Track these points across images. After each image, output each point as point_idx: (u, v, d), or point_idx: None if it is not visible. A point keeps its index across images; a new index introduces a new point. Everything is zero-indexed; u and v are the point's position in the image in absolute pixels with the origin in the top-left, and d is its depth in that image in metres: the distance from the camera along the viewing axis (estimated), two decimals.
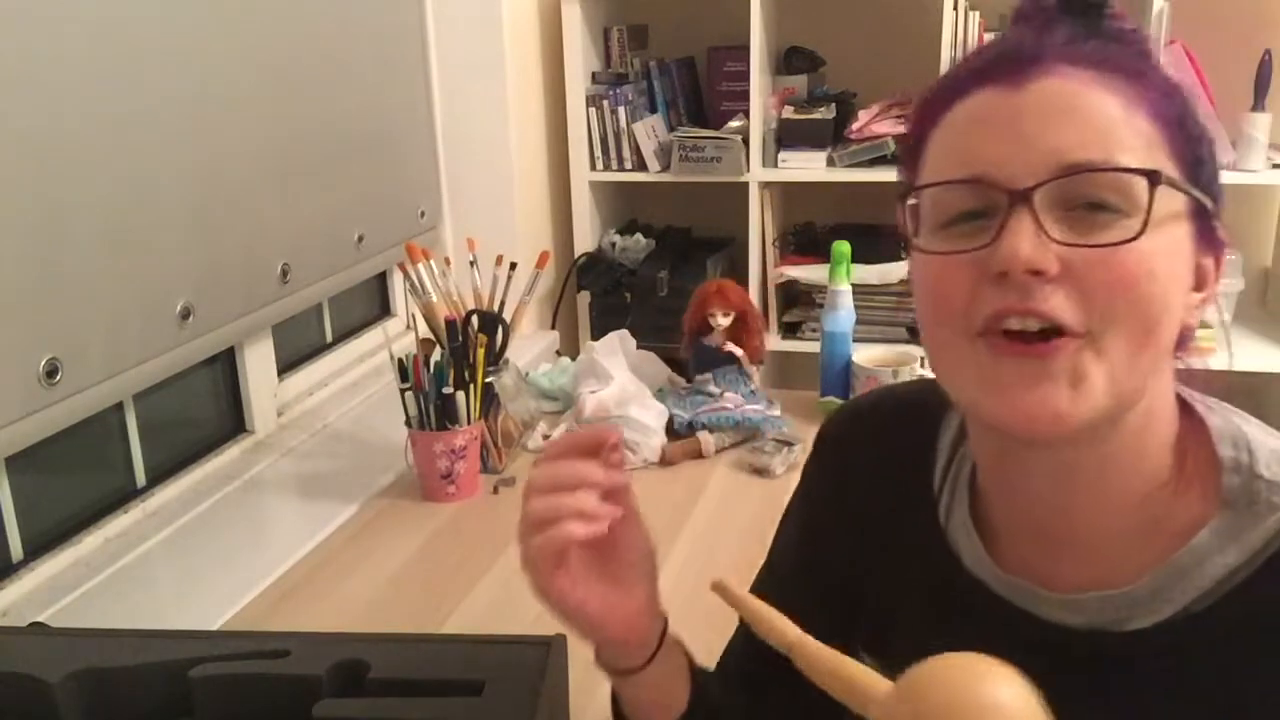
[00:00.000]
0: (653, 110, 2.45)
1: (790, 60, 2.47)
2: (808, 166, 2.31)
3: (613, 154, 2.37)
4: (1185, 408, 0.63)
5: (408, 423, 1.42)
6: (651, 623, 0.70)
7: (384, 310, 2.07)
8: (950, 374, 0.59)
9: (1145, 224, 0.53)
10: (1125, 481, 0.60)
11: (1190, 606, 0.58)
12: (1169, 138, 0.56)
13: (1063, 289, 0.54)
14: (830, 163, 2.30)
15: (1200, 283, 0.59)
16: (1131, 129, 0.55)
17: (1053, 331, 0.54)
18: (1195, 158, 0.57)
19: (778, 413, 1.61)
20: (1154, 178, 0.53)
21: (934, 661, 0.47)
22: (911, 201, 0.60)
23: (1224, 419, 0.62)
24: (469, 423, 1.42)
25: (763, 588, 0.82)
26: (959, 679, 0.46)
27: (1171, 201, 0.55)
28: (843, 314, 1.64)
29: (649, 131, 2.38)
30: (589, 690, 0.97)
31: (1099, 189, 0.54)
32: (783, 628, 0.54)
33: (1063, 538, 0.62)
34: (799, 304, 2.45)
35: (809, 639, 0.53)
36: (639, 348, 1.74)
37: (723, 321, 1.60)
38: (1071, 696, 0.61)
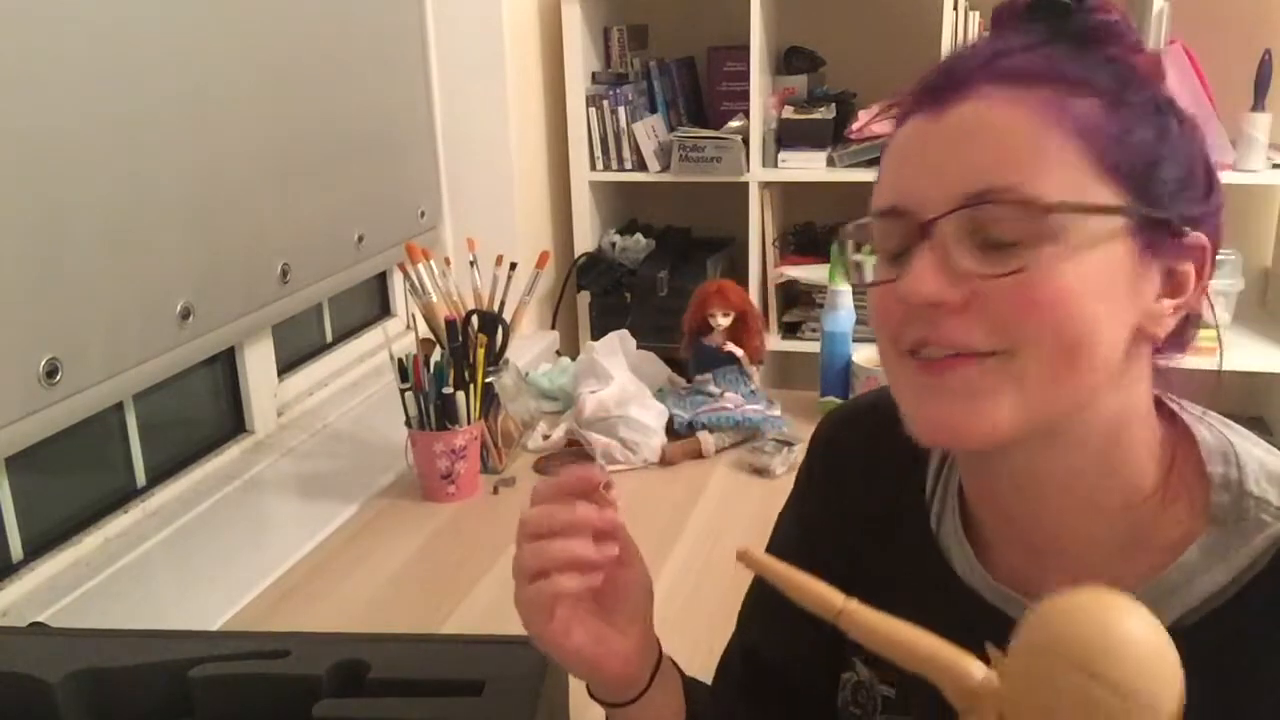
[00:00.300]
0: (653, 110, 2.45)
1: (790, 60, 2.47)
2: (808, 166, 2.31)
3: (613, 154, 2.38)
4: (1172, 417, 0.63)
5: (408, 423, 1.42)
6: (645, 658, 0.69)
7: (384, 310, 2.07)
8: (891, 385, 0.61)
9: (1044, 254, 0.53)
10: (1100, 492, 0.60)
11: (1178, 624, 0.57)
12: (1101, 153, 0.55)
13: (970, 316, 0.55)
14: (830, 163, 2.30)
15: (1176, 289, 0.58)
16: (1045, 150, 0.54)
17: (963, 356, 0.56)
18: (1143, 170, 0.55)
19: (778, 413, 1.61)
20: (1048, 208, 0.53)
21: (1056, 599, 0.45)
22: (864, 220, 0.61)
23: (1213, 431, 0.61)
24: (469, 423, 1.42)
25: (762, 587, 0.82)
26: (1088, 614, 0.44)
27: (1093, 223, 0.54)
28: (843, 314, 1.64)
29: (649, 131, 2.38)
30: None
31: (998, 218, 0.54)
32: (827, 594, 0.52)
33: (1045, 547, 0.62)
34: (799, 304, 2.45)
35: (855, 603, 0.51)
36: (639, 348, 1.74)
37: (723, 321, 1.60)
38: None
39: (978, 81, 0.56)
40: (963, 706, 0.48)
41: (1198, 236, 0.57)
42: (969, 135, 0.55)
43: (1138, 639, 0.43)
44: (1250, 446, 0.60)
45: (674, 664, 0.74)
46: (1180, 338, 0.61)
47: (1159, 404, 0.63)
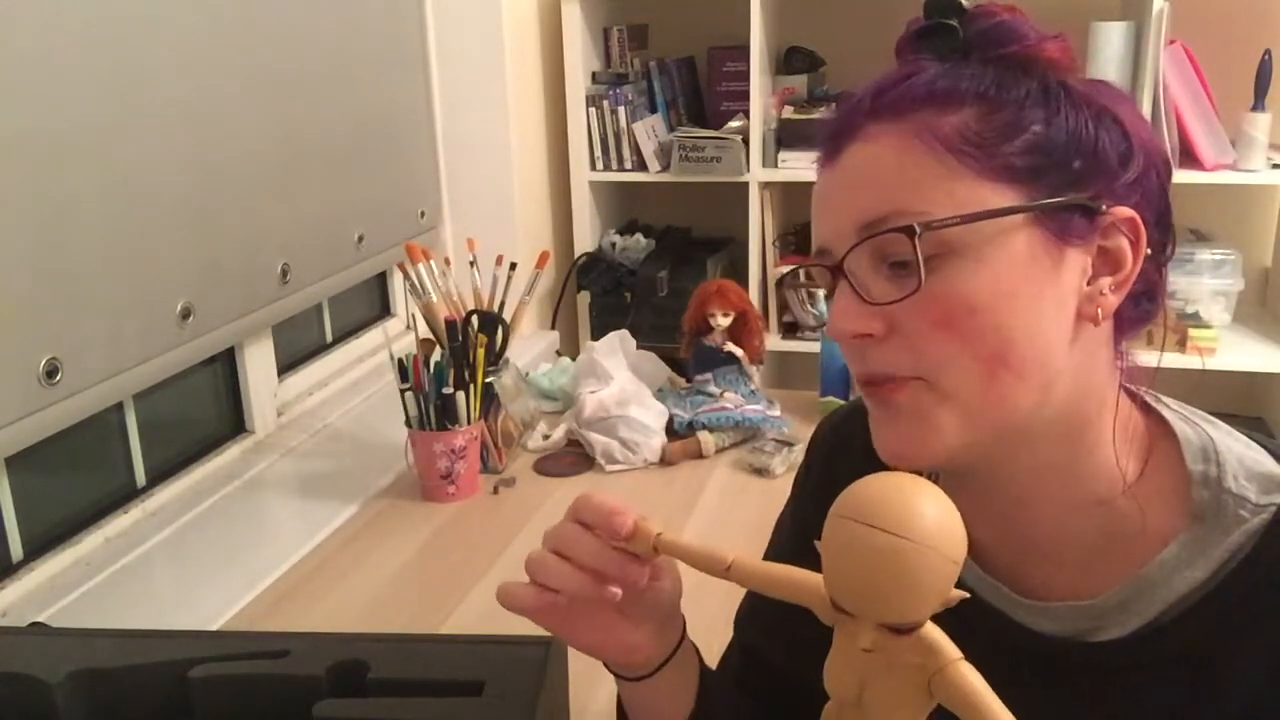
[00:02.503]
0: (653, 110, 2.45)
1: (790, 60, 2.47)
2: (808, 166, 2.30)
3: (613, 154, 2.37)
4: (1153, 414, 0.63)
5: (408, 423, 1.42)
6: (658, 646, 0.69)
7: (384, 310, 2.07)
8: None
9: (920, 277, 0.55)
10: (1072, 487, 0.61)
11: (1158, 619, 0.58)
12: (981, 160, 0.55)
13: (893, 343, 0.57)
14: None
15: (1113, 265, 0.57)
16: (925, 171, 0.56)
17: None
18: (1034, 163, 0.56)
19: (778, 413, 1.61)
20: (908, 231, 0.55)
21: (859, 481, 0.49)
22: (796, 266, 0.66)
23: (1194, 428, 0.61)
24: (469, 423, 1.42)
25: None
26: (870, 481, 0.48)
27: (988, 228, 0.55)
28: None
29: (649, 131, 2.38)
30: (589, 690, 0.97)
31: (891, 246, 0.56)
32: (718, 555, 0.57)
33: (1024, 545, 0.63)
34: None
35: (743, 557, 0.57)
36: (639, 348, 1.74)
37: (723, 321, 1.60)
38: (1042, 702, 0.61)
39: (862, 123, 0.59)
40: (829, 620, 0.52)
41: (1120, 210, 0.57)
42: (856, 174, 0.59)
43: (911, 494, 0.46)
44: (1231, 443, 0.60)
45: (696, 652, 0.74)
46: (1140, 311, 0.61)
47: (1138, 400, 0.64)
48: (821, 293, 0.63)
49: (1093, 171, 0.57)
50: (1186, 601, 0.57)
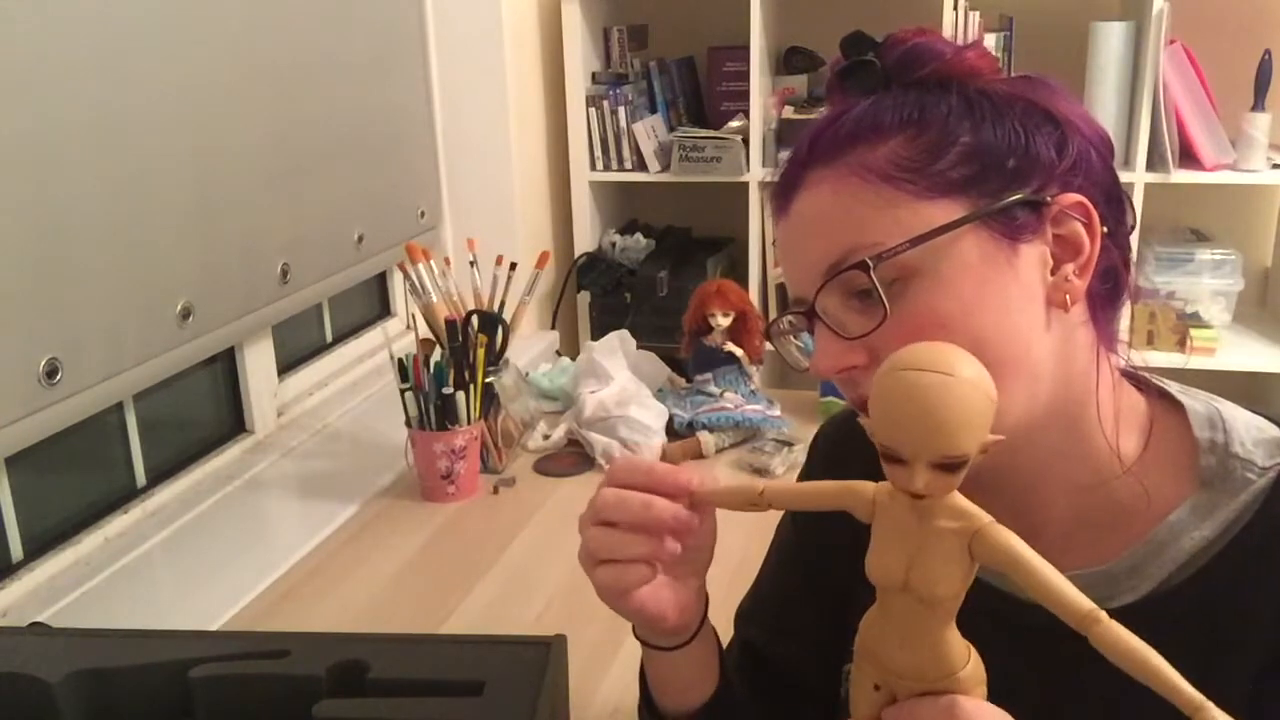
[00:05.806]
0: (653, 110, 2.45)
1: (790, 60, 2.47)
2: None
3: (613, 154, 2.37)
4: (1152, 390, 0.65)
5: (408, 423, 1.42)
6: (699, 608, 0.70)
7: (384, 310, 2.07)
8: None
9: (884, 306, 0.57)
10: (1073, 471, 0.62)
11: (1169, 580, 0.59)
12: (916, 182, 0.57)
13: (877, 368, 0.58)
14: None
15: (1072, 250, 0.59)
16: (868, 205, 0.58)
17: None
18: (969, 171, 0.57)
19: (778, 413, 1.61)
20: (862, 267, 0.56)
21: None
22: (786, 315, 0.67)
23: (1200, 401, 0.63)
24: (469, 423, 1.42)
25: (760, 586, 0.83)
26: (926, 342, 0.51)
27: (939, 244, 0.56)
28: None
29: (649, 131, 2.38)
30: (589, 690, 0.97)
31: (854, 281, 0.58)
32: (749, 485, 0.60)
33: (1036, 528, 0.64)
34: None
35: (774, 483, 0.60)
36: (639, 348, 1.74)
37: (723, 321, 1.60)
38: (1060, 676, 0.62)
39: (803, 172, 0.61)
40: (866, 517, 0.55)
41: (1066, 197, 0.58)
42: (807, 223, 0.61)
43: (951, 349, 0.50)
44: (1236, 412, 0.62)
45: (715, 631, 0.75)
46: (1109, 288, 0.62)
47: (1143, 385, 0.65)
48: (805, 335, 0.65)
49: (1029, 167, 0.58)
50: (1196, 562, 0.58)
